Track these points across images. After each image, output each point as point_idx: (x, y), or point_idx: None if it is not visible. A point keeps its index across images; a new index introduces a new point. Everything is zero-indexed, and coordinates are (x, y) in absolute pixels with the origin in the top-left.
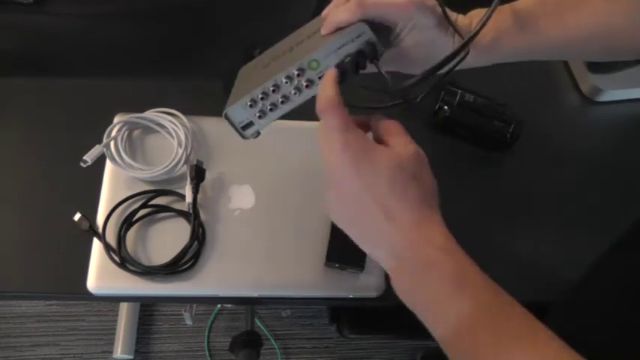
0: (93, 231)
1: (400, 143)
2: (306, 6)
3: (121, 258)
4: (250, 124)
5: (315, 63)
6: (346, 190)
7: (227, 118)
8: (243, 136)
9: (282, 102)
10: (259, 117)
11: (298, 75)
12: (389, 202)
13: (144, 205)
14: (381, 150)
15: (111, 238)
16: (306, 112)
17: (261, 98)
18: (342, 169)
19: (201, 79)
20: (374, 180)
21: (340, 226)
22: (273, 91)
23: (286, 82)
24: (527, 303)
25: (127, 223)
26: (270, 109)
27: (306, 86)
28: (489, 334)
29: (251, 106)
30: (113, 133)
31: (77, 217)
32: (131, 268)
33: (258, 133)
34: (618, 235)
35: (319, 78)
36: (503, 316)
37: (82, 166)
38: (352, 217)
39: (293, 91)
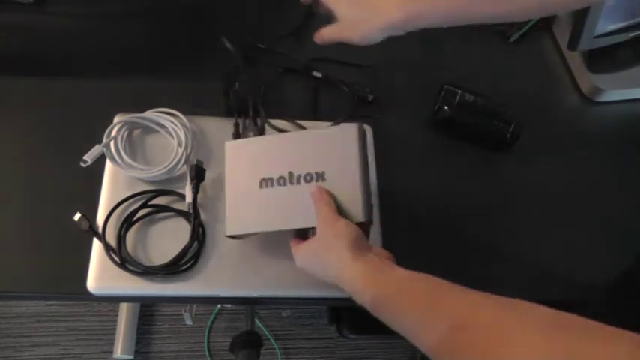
0: (93, 231)
1: None
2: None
3: (121, 258)
4: None
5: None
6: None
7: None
8: None
9: None
10: None
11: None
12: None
13: (144, 205)
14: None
15: (111, 238)
16: (306, 112)
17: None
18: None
19: (201, 79)
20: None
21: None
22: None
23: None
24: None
25: (127, 223)
26: None
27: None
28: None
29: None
30: (113, 133)
31: (77, 217)
32: (131, 268)
33: None
34: None
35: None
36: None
37: (82, 166)
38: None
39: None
